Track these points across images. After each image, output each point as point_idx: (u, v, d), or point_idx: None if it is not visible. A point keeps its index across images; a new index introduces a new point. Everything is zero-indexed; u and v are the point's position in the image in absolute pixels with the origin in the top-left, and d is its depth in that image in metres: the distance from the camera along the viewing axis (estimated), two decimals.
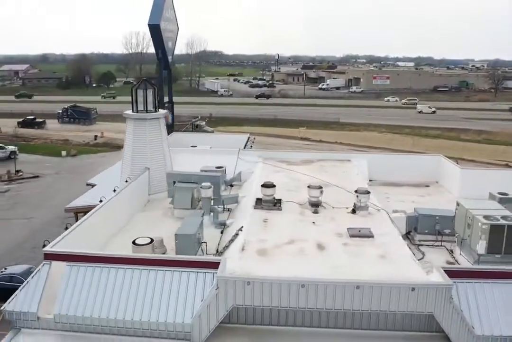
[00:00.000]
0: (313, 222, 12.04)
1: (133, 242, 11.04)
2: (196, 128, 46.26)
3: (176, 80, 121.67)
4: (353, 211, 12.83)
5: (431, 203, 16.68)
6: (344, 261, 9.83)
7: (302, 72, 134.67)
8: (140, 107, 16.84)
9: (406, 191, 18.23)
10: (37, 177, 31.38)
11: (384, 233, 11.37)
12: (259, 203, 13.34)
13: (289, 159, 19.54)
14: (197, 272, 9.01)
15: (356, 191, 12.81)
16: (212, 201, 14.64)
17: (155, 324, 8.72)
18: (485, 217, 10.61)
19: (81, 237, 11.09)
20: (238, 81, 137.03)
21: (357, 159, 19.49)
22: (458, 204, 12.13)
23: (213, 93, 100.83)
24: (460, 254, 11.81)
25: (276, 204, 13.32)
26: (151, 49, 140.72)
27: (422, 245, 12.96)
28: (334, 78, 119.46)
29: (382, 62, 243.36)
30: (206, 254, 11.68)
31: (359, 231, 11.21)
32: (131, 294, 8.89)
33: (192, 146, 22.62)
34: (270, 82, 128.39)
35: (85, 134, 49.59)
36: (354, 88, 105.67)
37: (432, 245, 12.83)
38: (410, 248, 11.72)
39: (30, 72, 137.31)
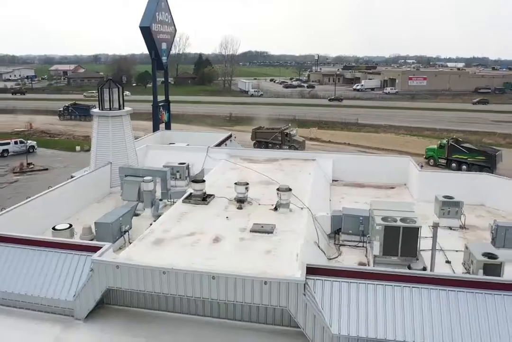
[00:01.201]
0: (227, 217, 12.51)
1: (53, 228, 12.04)
2: (286, 137, 43.99)
3: (212, 80, 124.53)
4: (275, 208, 13.15)
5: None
6: (227, 254, 10.26)
7: (338, 72, 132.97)
8: (106, 105, 18.01)
9: (367, 192, 18.16)
10: (46, 169, 33.76)
11: (290, 230, 11.63)
12: (189, 197, 13.98)
13: (254, 157, 20.01)
14: (80, 254, 9.85)
15: (278, 189, 13.09)
16: (156, 194, 15.61)
17: (43, 299, 9.67)
18: (383, 219, 10.63)
19: (17, 219, 12.26)
20: (274, 81, 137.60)
21: (322, 159, 19.59)
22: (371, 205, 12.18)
23: (244, 93, 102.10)
24: (366, 255, 11.91)
25: (205, 198, 13.89)
26: (188, 50, 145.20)
27: (344, 245, 13.12)
28: (369, 79, 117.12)
29: (431, 63, 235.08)
30: (129, 242, 12.48)
31: (262, 226, 11.57)
32: (23, 272, 9.89)
33: (170, 144, 23.62)
34: (301, 82, 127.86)
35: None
36: (388, 89, 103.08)
37: (355, 246, 12.97)
38: (320, 247, 12.03)
39: (78, 72, 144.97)
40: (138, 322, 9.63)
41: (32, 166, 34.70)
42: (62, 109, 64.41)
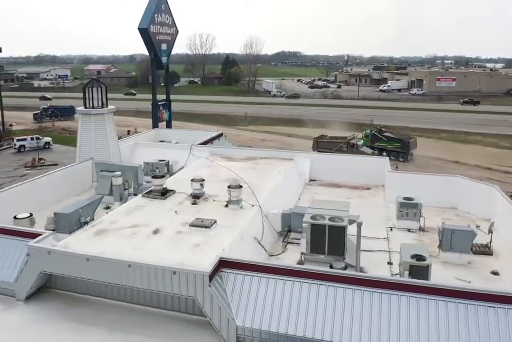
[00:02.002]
0: (176, 211, 12.99)
1: (14, 217, 12.90)
2: (351, 147, 41.41)
3: (239, 81, 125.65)
4: (226, 205, 13.51)
5: (354, 205, 16.60)
6: (158, 245, 10.74)
7: (366, 73, 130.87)
8: (94, 103, 18.94)
9: (340, 192, 18.22)
10: (56, 165, 35.44)
11: (229, 226, 11.96)
12: (149, 192, 14.57)
13: (234, 155, 20.43)
14: (22, 240, 10.62)
15: (228, 186, 13.44)
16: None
17: None
18: (312, 217, 10.80)
19: None
20: (301, 81, 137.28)
21: (300, 158, 19.76)
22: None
23: (268, 93, 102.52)
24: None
25: (164, 193, 14.43)
26: (215, 50, 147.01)
27: (292, 242, 13.32)
28: (396, 80, 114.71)
29: (469, 63, 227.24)
30: None
31: (202, 221, 11.97)
32: None
33: (160, 141, 24.38)
34: (328, 83, 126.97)
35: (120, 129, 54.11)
36: (414, 90, 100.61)
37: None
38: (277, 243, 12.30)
39: (111, 71, 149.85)
40: (72, 305, 10.28)
41: (43, 161, 36.67)
42: (40, 111, 64.79)
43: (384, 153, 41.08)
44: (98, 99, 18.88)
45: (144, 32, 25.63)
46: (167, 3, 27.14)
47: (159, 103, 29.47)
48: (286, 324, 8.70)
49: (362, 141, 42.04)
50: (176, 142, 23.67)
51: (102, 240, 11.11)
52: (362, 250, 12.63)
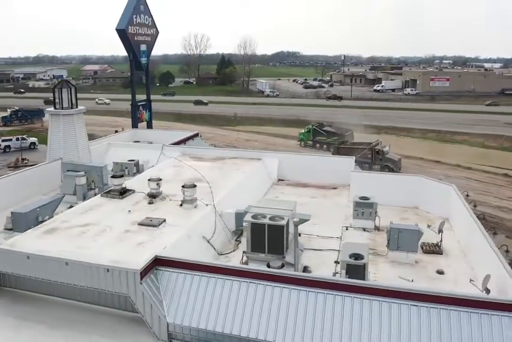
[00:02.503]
0: (129, 211, 13.13)
1: None
2: (377, 154, 37.64)
3: (234, 81, 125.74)
4: (181, 204, 13.65)
5: (316, 204, 16.81)
6: (102, 244, 10.88)
7: (361, 73, 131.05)
8: (65, 104, 19.03)
9: (305, 191, 18.35)
10: None
11: (178, 225, 12.10)
12: (108, 191, 14.71)
13: (204, 155, 20.56)
14: None
15: (182, 186, 13.58)
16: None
17: None
18: (253, 216, 10.92)
19: None
20: (297, 81, 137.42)
21: (268, 158, 19.89)
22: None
23: (261, 93, 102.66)
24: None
25: (122, 193, 14.58)
26: (210, 51, 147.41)
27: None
28: (391, 80, 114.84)
29: (467, 63, 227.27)
30: None
31: (150, 220, 12.12)
32: None
33: (135, 142, 24.52)
34: (322, 83, 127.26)
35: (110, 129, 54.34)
36: (408, 90, 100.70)
37: None
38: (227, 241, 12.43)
39: (108, 72, 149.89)
40: (16, 302, 10.45)
41: (26, 161, 36.89)
42: (9, 114, 63.88)
43: (325, 146, 45.16)
44: (67, 100, 18.99)
45: (122, 33, 25.78)
46: (146, 4, 27.29)
47: (139, 103, 29.62)
48: (222, 322, 8.85)
49: (387, 147, 38.70)
50: (150, 143, 23.79)
51: (49, 239, 11.25)
52: (312, 249, 12.93)
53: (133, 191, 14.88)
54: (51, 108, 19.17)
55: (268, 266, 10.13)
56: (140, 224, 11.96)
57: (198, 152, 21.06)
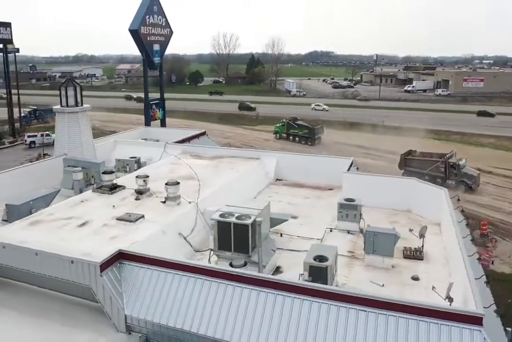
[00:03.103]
0: (113, 206, 13.52)
1: None
2: (451, 168, 33.83)
3: (262, 80, 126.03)
4: (164, 201, 13.93)
5: (308, 205, 16.73)
6: (78, 236, 11.29)
7: (391, 73, 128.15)
8: (71, 102, 19.77)
9: (299, 192, 18.28)
10: None
11: (155, 221, 12.38)
12: (100, 187, 15.19)
13: (203, 154, 20.81)
14: None
15: (166, 184, 13.84)
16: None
17: None
18: (221, 214, 10.98)
19: None
20: (326, 81, 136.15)
21: (266, 158, 19.92)
22: None
23: (288, 93, 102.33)
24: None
25: (112, 188, 15.02)
26: (239, 50, 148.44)
27: None
28: (422, 80, 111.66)
29: (508, 63, 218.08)
30: None
31: (129, 215, 12.45)
32: None
33: (142, 139, 25.08)
34: (352, 83, 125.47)
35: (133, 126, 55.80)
36: (439, 91, 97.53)
37: None
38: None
39: (140, 70, 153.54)
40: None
41: (47, 156, 38.43)
42: (27, 114, 65.56)
43: (297, 138, 49.80)
44: (73, 98, 19.71)
45: (134, 33, 26.48)
46: (159, 4, 27.88)
47: (153, 102, 30.31)
48: (179, 319, 8.97)
49: (464, 160, 35.04)
50: (157, 141, 24.27)
51: (32, 230, 11.79)
52: (288, 250, 12.88)
53: (124, 187, 15.29)
54: (58, 106, 19.97)
55: (231, 264, 10.20)
56: (119, 219, 12.30)
57: (199, 150, 21.33)
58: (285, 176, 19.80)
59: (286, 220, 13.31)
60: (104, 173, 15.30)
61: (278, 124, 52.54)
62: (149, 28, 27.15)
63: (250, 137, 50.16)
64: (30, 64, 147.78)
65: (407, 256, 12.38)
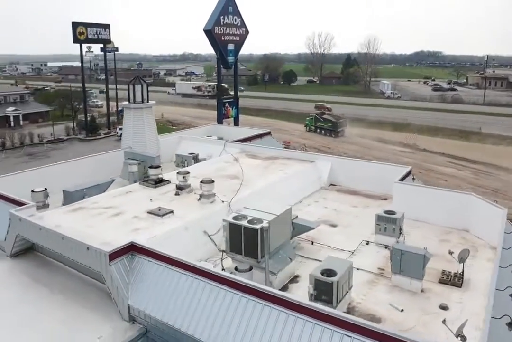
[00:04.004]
0: (151, 199, 14.13)
1: (32, 190, 15.43)
2: None
3: (357, 81, 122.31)
4: (199, 198, 14.19)
5: (352, 214, 15.81)
6: (107, 225, 12.03)
7: (502, 75, 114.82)
8: (137, 99, 21.18)
9: (350, 199, 17.41)
10: None
11: (183, 217, 12.67)
12: (146, 180, 16.01)
13: (259, 154, 20.80)
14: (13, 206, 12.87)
15: (201, 181, 14.06)
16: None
17: None
18: (235, 217, 10.82)
19: (37, 180, 16.00)
20: (427, 83, 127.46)
21: (321, 161, 19.26)
22: None
23: (382, 94, 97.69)
24: None
25: (157, 182, 15.72)
26: (334, 50, 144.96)
27: None
28: None
29: None
30: None
31: (159, 210, 12.90)
32: None
33: (207, 136, 25.79)
34: (455, 85, 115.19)
35: None
36: None
37: None
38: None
39: (241, 69, 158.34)
40: (37, 265, 12.28)
41: None
42: (121, 108, 71.13)
43: (323, 131, 55.47)
44: (139, 95, 21.02)
45: (208, 33, 27.38)
46: (235, 5, 28.43)
47: (226, 100, 31.07)
48: (178, 318, 9.00)
49: None
50: (221, 138, 24.81)
51: (70, 215, 12.84)
52: (313, 259, 12.23)
53: (169, 182, 15.90)
54: (126, 102, 21.46)
55: (236, 268, 10.03)
56: (149, 212, 12.83)
57: (256, 150, 21.36)
58: (340, 181, 18.95)
59: (313, 228, 12.69)
60: (151, 167, 16.05)
61: (308, 118, 58.08)
62: (224, 28, 27.85)
63: (326, 139, 48.85)
64: (137, 62, 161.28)
65: (443, 280, 11.02)
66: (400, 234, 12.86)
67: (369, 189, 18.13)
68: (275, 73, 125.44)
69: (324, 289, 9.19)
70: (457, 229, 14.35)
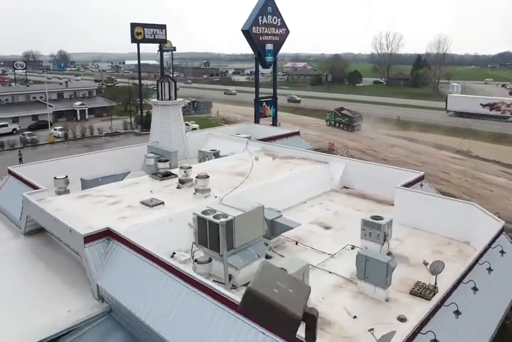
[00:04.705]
0: (151, 191, 14.98)
1: (54, 177, 16.95)
2: None
3: (427, 83, 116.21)
4: (195, 192, 14.80)
5: (352, 217, 15.48)
6: (100, 212, 13.02)
7: None
8: (165, 96, 22.32)
9: (357, 203, 17.08)
10: None
11: (171, 208, 13.34)
12: (156, 173, 16.96)
13: (278, 153, 20.97)
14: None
15: (197, 176, 14.64)
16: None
17: (14, 217, 14.81)
18: (204, 211, 11.08)
19: (58, 169, 17.66)
20: (505, 87, 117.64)
21: (334, 163, 19.03)
22: None
23: None
24: None
25: (165, 176, 16.61)
26: (403, 50, 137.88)
27: None
28: None
29: None
30: None
31: (151, 200, 13.69)
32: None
33: (236, 134, 26.31)
34: None
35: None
36: None
37: None
38: None
39: (308, 68, 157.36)
40: (42, 243, 13.70)
41: None
42: (186, 105, 69.65)
43: (341, 125, 59.37)
44: (169, 93, 22.13)
45: (246, 33, 27.89)
46: (274, 5, 28.65)
47: (264, 99, 31.47)
48: (138, 306, 9.57)
49: None
50: (249, 137, 25.26)
51: (75, 201, 14.07)
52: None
53: (176, 175, 16.69)
54: (155, 99, 22.67)
55: (196, 260, 10.46)
56: (141, 202, 13.67)
57: (274, 149, 21.56)
58: (353, 184, 18.58)
59: (292, 228, 12.73)
60: (159, 161, 16.96)
61: (328, 113, 62.55)
62: (262, 29, 28.20)
63: (376, 142, 47.16)
64: (205, 61, 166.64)
65: (413, 292, 10.58)
66: (384, 240, 12.44)
67: (379, 193, 17.61)
68: (341, 73, 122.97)
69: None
70: (458, 240, 13.57)
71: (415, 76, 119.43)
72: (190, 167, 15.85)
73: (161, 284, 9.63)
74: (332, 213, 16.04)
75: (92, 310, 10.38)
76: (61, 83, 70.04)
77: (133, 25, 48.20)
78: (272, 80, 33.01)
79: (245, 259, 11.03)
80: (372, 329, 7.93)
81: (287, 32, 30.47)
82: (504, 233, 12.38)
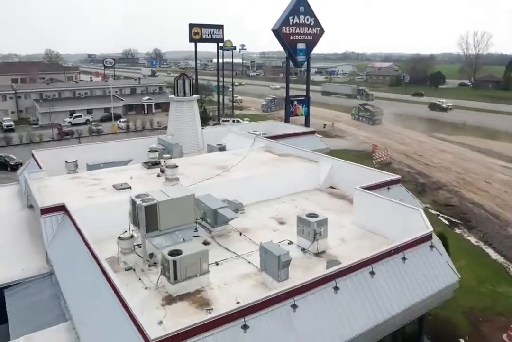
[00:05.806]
0: (131, 177, 16.73)
1: (66, 161, 19.48)
2: None
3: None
4: (165, 181, 16.25)
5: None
6: (77, 191, 15.02)
7: None
8: (180, 93, 24.08)
9: (330, 203, 17.25)
10: None
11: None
12: (147, 162, 18.74)
13: (277, 150, 21.56)
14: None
15: (166, 166, 16.06)
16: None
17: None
18: (137, 195, 12.23)
19: (72, 155, 20.50)
20: None
21: (323, 162, 19.18)
22: None
23: None
24: None
25: (153, 164, 18.32)
26: (492, 50, 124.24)
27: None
28: None
29: None
30: None
31: (121, 185, 15.41)
32: None
33: (253, 131, 27.14)
34: None
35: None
36: None
37: None
38: None
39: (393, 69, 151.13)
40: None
41: None
42: (267, 102, 75.07)
43: (350, 118, 68.41)
44: (184, 90, 23.81)
45: (276, 33, 28.60)
46: (307, 5, 28.90)
47: (296, 98, 31.94)
48: (63, 274, 11.48)
49: None
50: (264, 134, 26.02)
51: (63, 181, 16.35)
52: (223, 247, 13.09)
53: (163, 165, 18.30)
54: (172, 96, 24.46)
55: (119, 237, 11.89)
56: (113, 186, 15.47)
57: (275, 146, 22.15)
58: (339, 184, 18.60)
59: (229, 219, 13.57)
60: (150, 151, 18.68)
61: (353, 108, 69.42)
62: (293, 28, 28.59)
63: (426, 146, 44.40)
64: (283, 60, 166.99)
65: None
66: (314, 238, 12.70)
67: None
68: (423, 74, 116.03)
69: (166, 265, 10.38)
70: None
71: (506, 78, 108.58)
72: (171, 158, 17.33)
73: (83, 262, 11.10)
74: (299, 210, 16.33)
75: (40, 270, 12.37)
76: (135, 79, 76.51)
77: (191, 26, 51.18)
78: (305, 80, 33.20)
79: (168, 240, 12.16)
80: (208, 309, 8.62)
81: (322, 31, 30.46)
82: (431, 240, 11.90)
